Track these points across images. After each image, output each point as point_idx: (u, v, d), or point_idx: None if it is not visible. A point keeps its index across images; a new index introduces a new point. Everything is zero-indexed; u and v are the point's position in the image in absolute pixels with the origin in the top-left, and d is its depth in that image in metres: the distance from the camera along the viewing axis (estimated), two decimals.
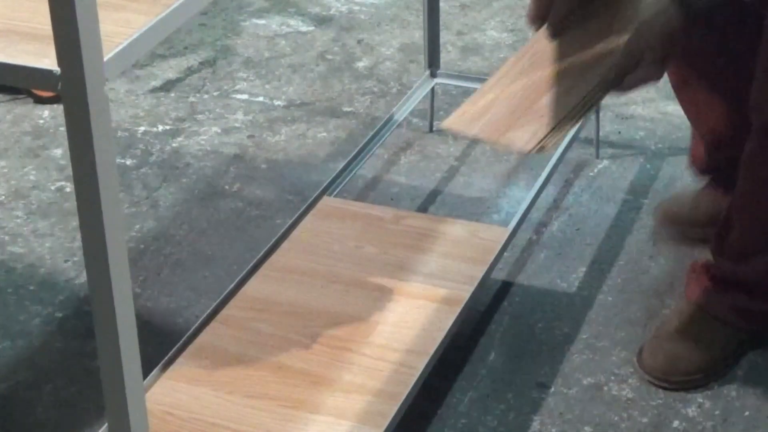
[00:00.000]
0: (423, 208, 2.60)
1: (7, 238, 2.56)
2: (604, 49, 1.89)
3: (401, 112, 2.73)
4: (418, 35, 3.25)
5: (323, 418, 1.86)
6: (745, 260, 2.10)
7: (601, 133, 2.74)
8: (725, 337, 2.14)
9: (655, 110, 2.92)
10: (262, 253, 2.21)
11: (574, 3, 1.96)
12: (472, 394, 2.11)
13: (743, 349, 2.17)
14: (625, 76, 1.79)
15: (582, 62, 1.91)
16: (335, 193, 2.44)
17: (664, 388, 2.11)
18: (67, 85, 1.24)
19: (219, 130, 2.95)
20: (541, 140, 1.82)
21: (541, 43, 1.98)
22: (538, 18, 1.96)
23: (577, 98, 1.85)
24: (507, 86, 1.96)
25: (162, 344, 2.07)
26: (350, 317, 2.04)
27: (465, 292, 2.10)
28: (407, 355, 1.97)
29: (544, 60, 1.96)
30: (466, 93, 3.02)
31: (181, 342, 2.00)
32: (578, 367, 2.17)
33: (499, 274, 2.36)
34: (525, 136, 1.84)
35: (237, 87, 3.15)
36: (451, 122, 1.95)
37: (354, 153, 2.55)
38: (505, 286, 2.35)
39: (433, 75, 2.83)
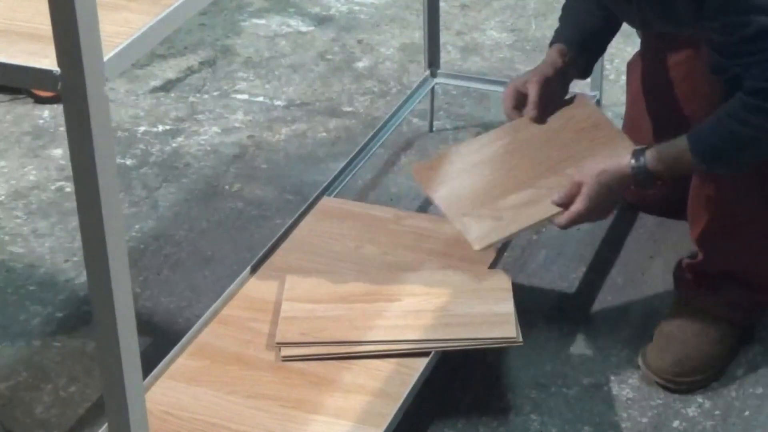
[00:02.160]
0: (423, 208, 2.60)
1: (7, 238, 2.56)
2: (565, 173, 2.11)
3: (401, 112, 2.73)
4: (418, 35, 3.25)
5: (323, 418, 1.86)
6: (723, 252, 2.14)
7: None
8: (724, 333, 2.15)
9: None
10: (262, 253, 2.21)
11: (547, 94, 2.21)
12: (472, 394, 2.11)
13: (740, 344, 2.19)
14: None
15: (546, 178, 2.12)
16: (335, 193, 2.44)
17: (672, 390, 2.11)
18: (67, 85, 1.24)
19: (219, 130, 2.95)
20: (490, 245, 2.07)
21: (521, 132, 2.20)
22: (514, 109, 2.22)
23: (531, 220, 2.07)
24: (478, 164, 2.18)
25: (162, 344, 2.07)
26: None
27: None
28: (407, 355, 1.97)
29: (519, 153, 2.18)
30: (466, 93, 3.02)
31: (181, 342, 2.00)
32: (578, 367, 2.17)
33: None
34: (478, 231, 2.08)
35: (237, 87, 3.15)
36: (416, 170, 2.21)
37: (354, 153, 2.55)
38: None
39: (433, 75, 2.83)
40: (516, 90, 2.22)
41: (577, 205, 2.03)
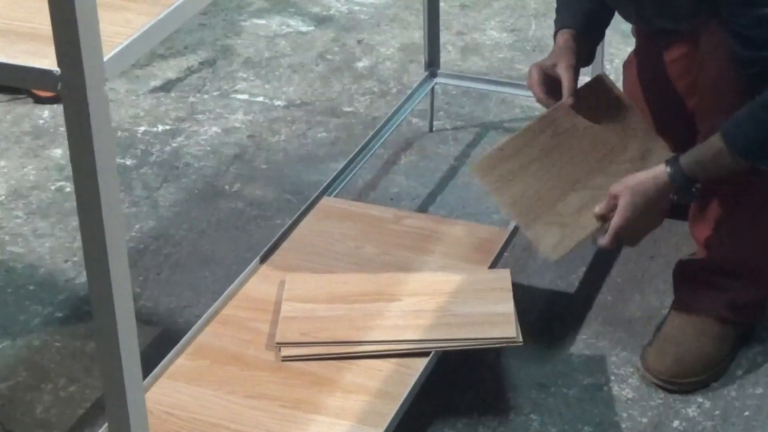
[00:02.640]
0: (423, 208, 2.60)
1: (7, 238, 2.56)
2: (611, 170, 2.14)
3: (401, 112, 2.73)
4: (418, 35, 3.24)
5: (323, 418, 1.86)
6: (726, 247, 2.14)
7: None
8: (724, 333, 2.15)
9: None
10: (262, 253, 2.21)
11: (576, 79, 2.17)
12: (472, 394, 2.11)
13: (739, 346, 2.19)
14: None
15: (594, 176, 2.13)
16: (335, 193, 2.44)
17: (671, 391, 2.11)
18: (67, 85, 1.24)
19: (219, 130, 2.95)
20: (563, 255, 2.07)
21: (561, 122, 2.17)
22: (546, 94, 2.17)
23: (593, 226, 2.08)
24: (532, 162, 2.14)
25: (162, 344, 2.07)
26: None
27: None
28: (407, 355, 1.97)
29: (564, 146, 2.16)
30: (466, 93, 3.02)
31: (181, 342, 2.00)
32: (578, 367, 2.17)
33: None
34: (548, 241, 2.07)
35: (237, 87, 3.15)
36: (479, 169, 2.14)
37: (354, 153, 2.55)
38: None
39: (433, 75, 2.83)
40: (546, 76, 2.18)
41: (615, 220, 2.02)
